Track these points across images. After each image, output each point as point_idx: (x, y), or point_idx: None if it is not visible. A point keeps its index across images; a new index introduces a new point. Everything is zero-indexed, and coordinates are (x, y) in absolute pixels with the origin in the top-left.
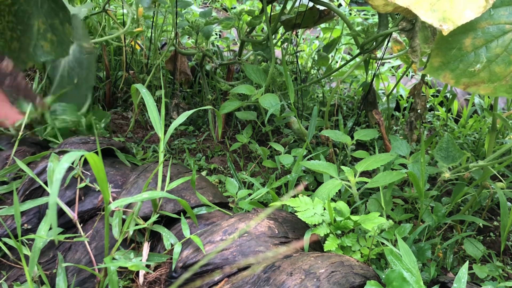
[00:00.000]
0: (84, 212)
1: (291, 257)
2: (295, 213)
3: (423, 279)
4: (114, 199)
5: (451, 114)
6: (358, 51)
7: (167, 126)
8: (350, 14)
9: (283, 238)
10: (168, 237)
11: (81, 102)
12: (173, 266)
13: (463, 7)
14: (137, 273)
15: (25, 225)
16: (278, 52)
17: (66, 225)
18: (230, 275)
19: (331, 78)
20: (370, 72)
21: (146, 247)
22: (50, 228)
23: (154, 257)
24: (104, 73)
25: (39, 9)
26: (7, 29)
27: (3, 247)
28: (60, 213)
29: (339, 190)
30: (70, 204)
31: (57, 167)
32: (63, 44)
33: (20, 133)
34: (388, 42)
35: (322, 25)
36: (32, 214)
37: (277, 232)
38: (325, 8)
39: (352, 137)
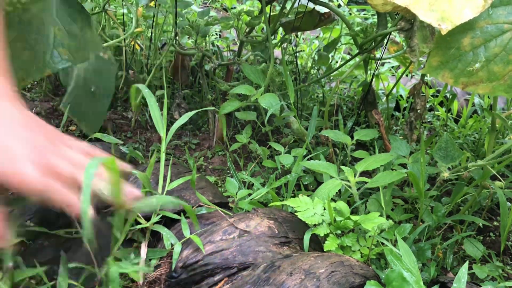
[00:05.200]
0: None
1: (291, 257)
2: (295, 213)
3: (422, 279)
4: None
5: (451, 114)
6: (357, 51)
7: (168, 126)
8: (350, 14)
9: (283, 238)
10: (168, 237)
11: (98, 112)
12: (173, 266)
13: (462, 7)
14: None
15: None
16: (278, 52)
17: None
18: (230, 274)
19: (331, 78)
20: (369, 72)
21: (144, 246)
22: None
23: (156, 252)
24: None
25: (54, 16)
26: (17, 40)
27: None
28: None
29: (339, 190)
30: None
31: (85, 173)
32: (83, 49)
33: None
34: (387, 42)
35: None
36: (32, 214)
37: (277, 232)
38: (325, 12)
39: (352, 137)
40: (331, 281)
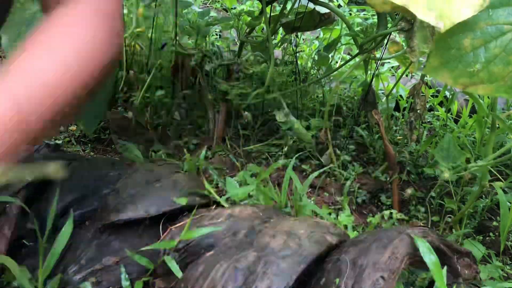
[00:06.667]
0: (84, 214)
1: (270, 221)
2: None
3: None
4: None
5: (451, 114)
6: (357, 51)
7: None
8: (350, 14)
9: (266, 219)
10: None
11: (95, 110)
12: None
13: (460, 5)
14: None
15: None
16: (278, 52)
17: None
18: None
19: (331, 78)
20: (369, 72)
21: None
22: None
23: None
24: None
25: None
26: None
27: None
28: (62, 212)
29: None
30: (70, 205)
31: None
32: None
33: None
34: (387, 42)
35: None
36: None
37: (261, 215)
38: (326, 12)
39: (352, 137)
40: (312, 240)
